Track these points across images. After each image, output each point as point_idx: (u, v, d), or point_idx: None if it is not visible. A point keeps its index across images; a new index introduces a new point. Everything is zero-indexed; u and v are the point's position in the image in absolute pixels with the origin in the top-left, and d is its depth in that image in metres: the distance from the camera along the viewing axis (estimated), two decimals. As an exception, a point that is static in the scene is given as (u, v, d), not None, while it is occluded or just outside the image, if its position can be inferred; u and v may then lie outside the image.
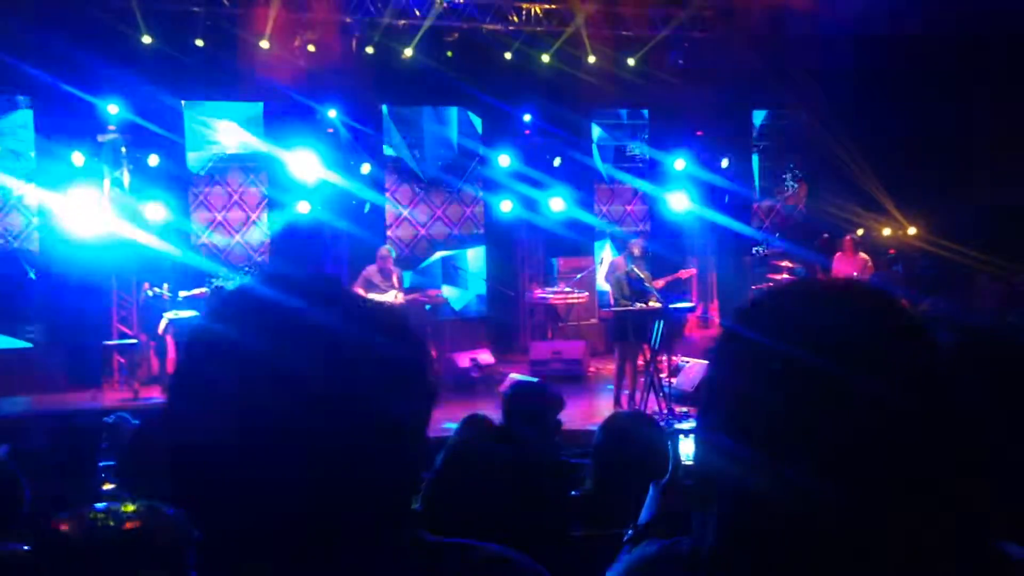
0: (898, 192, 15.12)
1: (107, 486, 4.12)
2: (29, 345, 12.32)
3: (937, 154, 14.60)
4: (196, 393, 1.01)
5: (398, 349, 1.06)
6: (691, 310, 12.49)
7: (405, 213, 14.87)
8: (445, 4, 13.21)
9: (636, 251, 10.88)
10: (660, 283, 10.85)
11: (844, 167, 15.25)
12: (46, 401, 11.09)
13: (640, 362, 10.56)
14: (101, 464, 4.47)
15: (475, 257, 15.36)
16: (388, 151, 14.72)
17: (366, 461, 0.99)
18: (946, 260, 14.06)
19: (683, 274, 11.48)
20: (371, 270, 11.86)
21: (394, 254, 12.44)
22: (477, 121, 15.18)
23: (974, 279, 13.33)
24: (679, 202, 14.87)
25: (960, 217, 14.21)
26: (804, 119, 15.90)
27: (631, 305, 10.45)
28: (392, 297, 11.51)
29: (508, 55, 14.17)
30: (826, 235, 13.24)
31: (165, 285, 11.75)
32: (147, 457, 3.56)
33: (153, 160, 12.37)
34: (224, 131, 13.66)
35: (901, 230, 15.19)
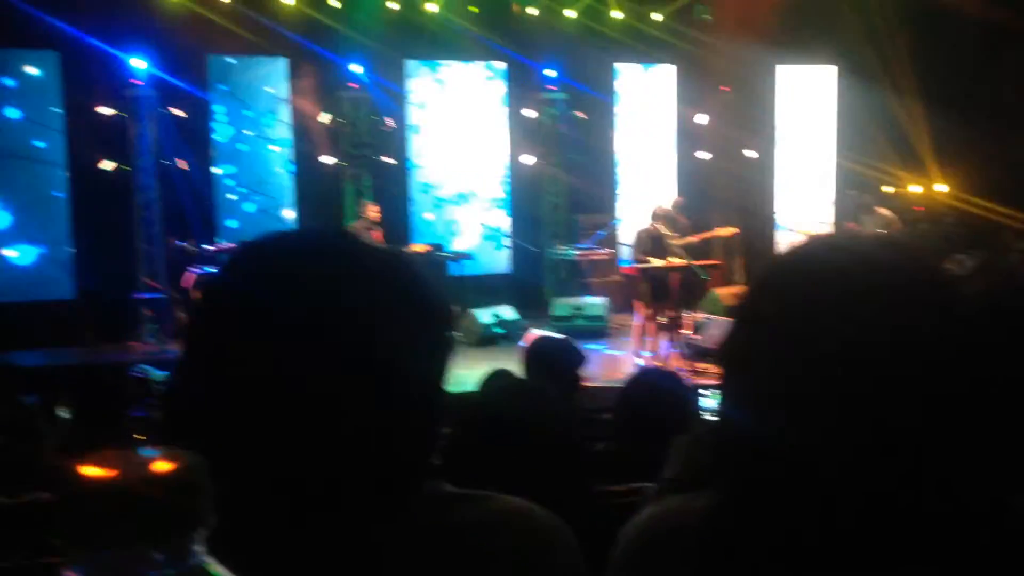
0: (927, 149, 14.93)
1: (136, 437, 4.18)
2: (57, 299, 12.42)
3: (970, 110, 14.38)
4: (210, 344, 1.02)
5: (414, 299, 1.06)
6: (715, 267, 12.43)
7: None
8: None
9: (659, 208, 10.80)
10: (695, 239, 10.74)
11: (872, 123, 15.06)
12: (73, 353, 11.19)
13: (663, 319, 10.52)
14: (127, 415, 4.53)
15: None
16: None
17: (383, 412, 1.00)
18: (975, 217, 13.89)
19: (720, 232, 11.34)
20: None
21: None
22: (502, 75, 15.03)
23: (1001, 236, 13.19)
24: (704, 158, 14.74)
25: (991, 174, 14.02)
26: (832, 74, 15.69)
27: (653, 262, 10.35)
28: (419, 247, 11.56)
29: (533, 10, 14.04)
30: (853, 192, 13.12)
31: (191, 240, 11.81)
32: (176, 408, 3.60)
33: (179, 114, 12.38)
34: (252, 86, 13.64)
35: (930, 187, 15.02)
